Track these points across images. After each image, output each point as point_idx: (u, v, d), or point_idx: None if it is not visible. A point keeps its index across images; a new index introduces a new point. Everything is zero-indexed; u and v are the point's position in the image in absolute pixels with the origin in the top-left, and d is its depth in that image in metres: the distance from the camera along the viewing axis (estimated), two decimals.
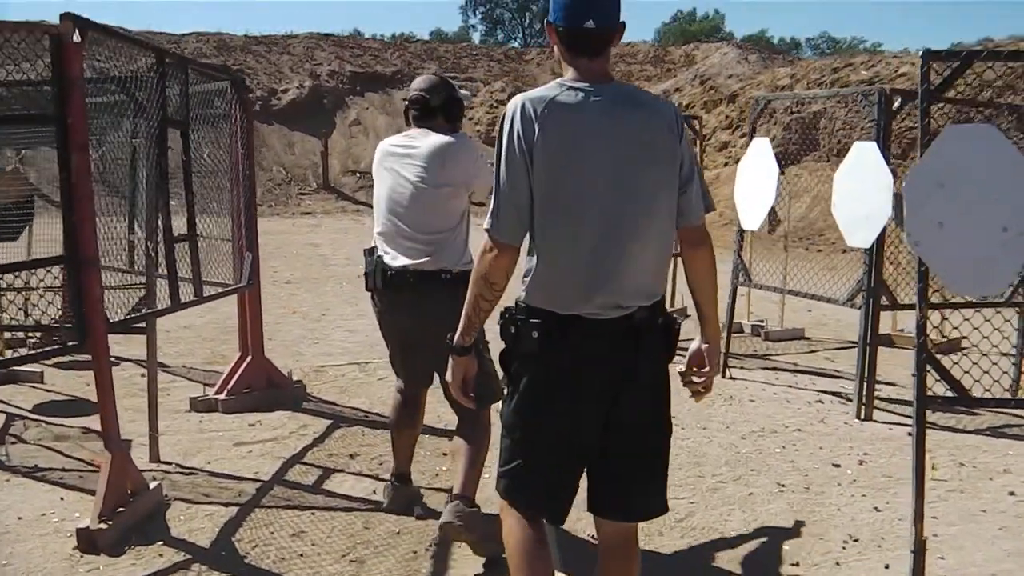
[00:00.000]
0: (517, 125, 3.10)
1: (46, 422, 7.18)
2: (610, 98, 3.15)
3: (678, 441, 6.07)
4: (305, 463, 6.33)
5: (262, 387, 7.77)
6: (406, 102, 5.28)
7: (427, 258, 4.96)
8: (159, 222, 6.13)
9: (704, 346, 3.47)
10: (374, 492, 5.74)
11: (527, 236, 3.23)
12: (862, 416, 7.45)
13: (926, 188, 4.11)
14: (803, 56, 37.44)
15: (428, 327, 4.81)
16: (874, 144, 7.15)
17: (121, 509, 5.03)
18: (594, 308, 3.16)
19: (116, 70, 5.80)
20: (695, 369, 3.49)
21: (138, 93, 5.90)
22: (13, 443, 6.73)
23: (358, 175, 28.72)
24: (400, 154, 5.10)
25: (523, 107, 3.11)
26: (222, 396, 7.61)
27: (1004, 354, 5.38)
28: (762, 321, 11.07)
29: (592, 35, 3.17)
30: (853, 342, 10.17)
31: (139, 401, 7.08)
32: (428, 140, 5.05)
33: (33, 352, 4.89)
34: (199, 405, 7.59)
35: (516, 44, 49.54)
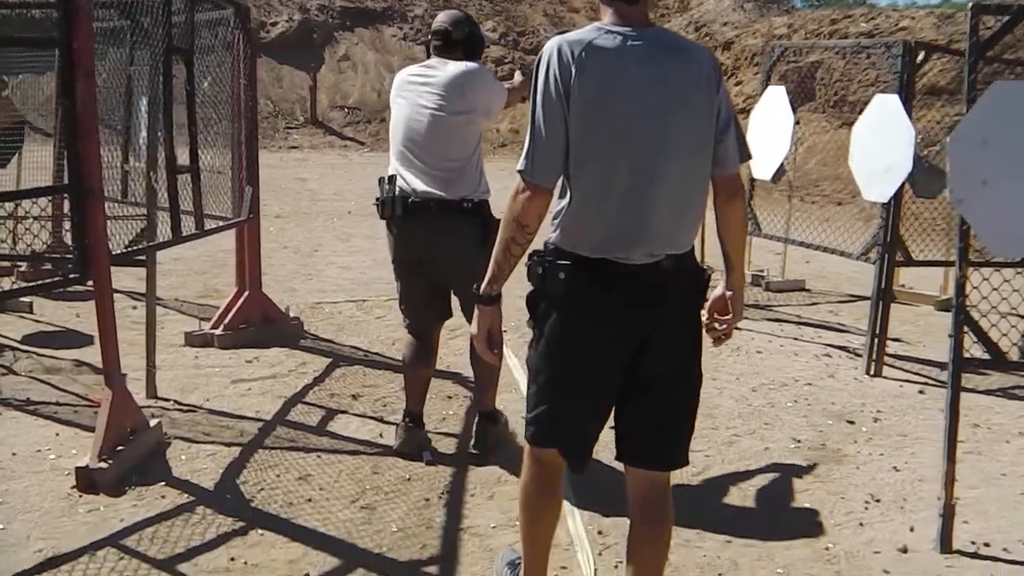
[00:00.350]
0: (554, 67, 3.04)
1: (37, 353, 7.03)
2: (649, 43, 3.08)
3: None
4: (307, 403, 6.19)
5: (259, 323, 7.62)
6: (428, 36, 5.24)
7: (446, 186, 4.95)
8: (161, 152, 5.95)
9: (728, 293, 3.47)
10: (380, 436, 5.62)
11: (560, 178, 3.18)
12: (871, 372, 7.32)
13: (971, 145, 3.98)
14: (797, 7, 37.08)
15: (448, 256, 4.99)
16: (896, 97, 6.99)
17: (121, 448, 4.90)
18: (623, 253, 3.12)
19: None
20: (716, 316, 3.51)
21: (143, 19, 5.70)
22: (3, 374, 6.57)
23: (346, 110, 28.39)
24: (418, 83, 5.07)
25: (560, 49, 3.05)
26: (218, 331, 7.46)
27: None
28: (762, 271, 10.92)
29: None
30: (855, 295, 10.19)
31: (131, 335, 6.95)
32: (447, 68, 5.03)
33: (32, 284, 4.69)
34: (194, 340, 7.44)
35: None
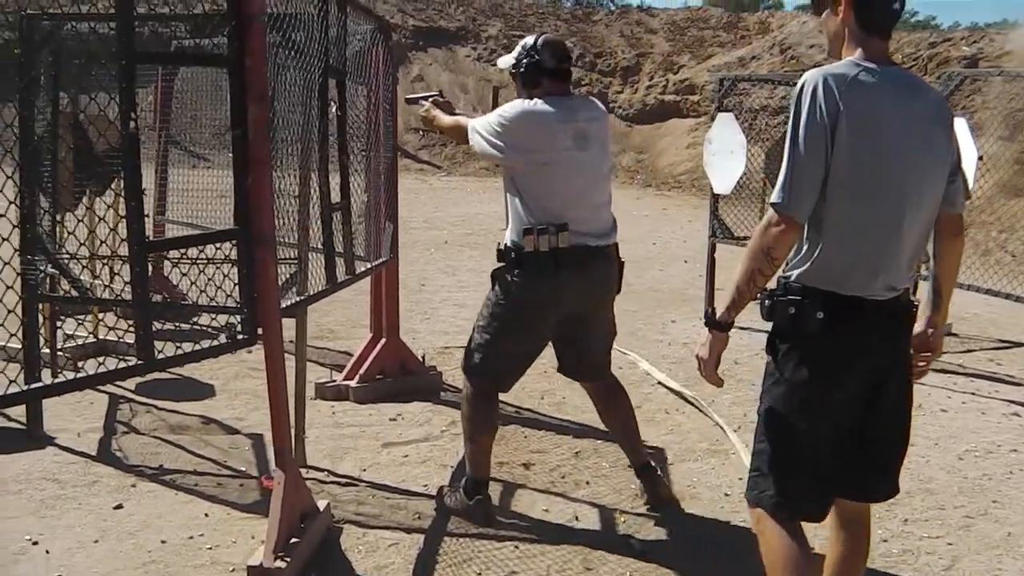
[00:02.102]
0: (820, 100, 3.01)
1: (156, 407, 6.33)
2: (900, 81, 3.13)
3: None
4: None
5: (396, 373, 6.88)
6: (556, 61, 4.82)
7: (610, 230, 4.84)
8: (314, 187, 5.24)
9: (930, 331, 3.44)
10: (575, 519, 4.87)
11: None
12: None
13: None
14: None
15: (606, 306, 4.99)
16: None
17: (295, 540, 4.13)
18: (875, 290, 3.13)
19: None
20: (918, 352, 3.45)
21: (296, 33, 4.98)
22: (126, 433, 5.88)
23: (421, 133, 27.69)
24: (571, 120, 4.68)
25: (825, 82, 3.02)
26: (353, 383, 6.73)
27: None
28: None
29: (894, 16, 3.15)
30: (1008, 341, 9.31)
31: (253, 384, 6.55)
32: (596, 108, 4.92)
33: (199, 350, 3.95)
34: (327, 392, 6.72)
35: (568, 4, 48.13)
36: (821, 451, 3.20)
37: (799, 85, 3.07)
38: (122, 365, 3.64)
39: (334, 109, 5.47)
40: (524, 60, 4.80)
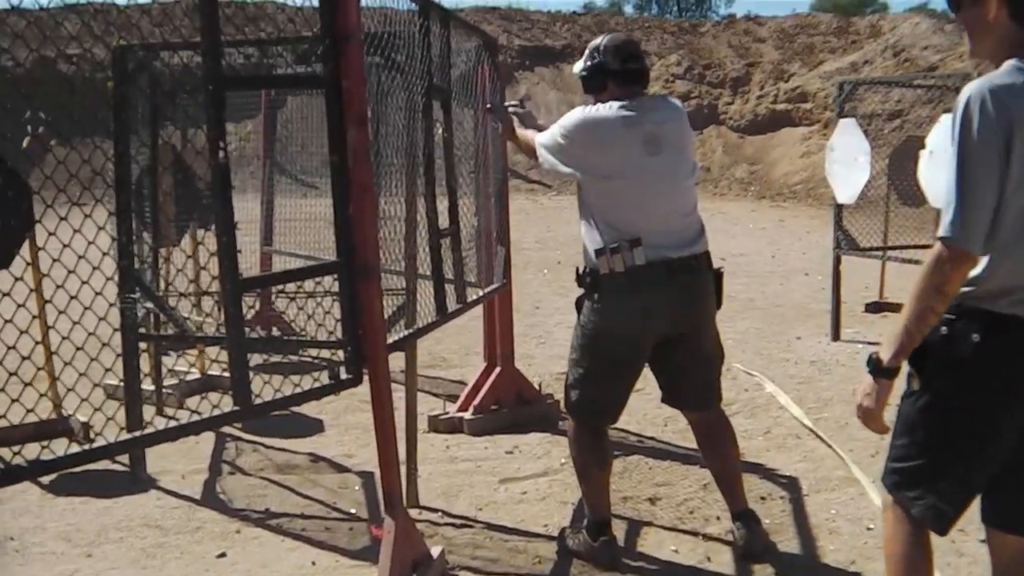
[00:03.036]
0: (990, 117, 2.73)
1: (263, 445, 6.12)
2: None
3: None
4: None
5: (512, 404, 6.59)
6: (625, 60, 4.50)
7: (697, 238, 4.39)
8: (421, 214, 4.99)
9: None
10: (708, 559, 4.50)
11: None
12: None
13: None
14: None
15: (696, 325, 4.44)
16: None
17: None
18: None
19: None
20: None
21: (397, 55, 4.73)
22: (231, 474, 5.68)
23: None
24: (643, 124, 4.31)
25: (993, 95, 2.74)
26: (467, 415, 6.46)
27: None
28: None
29: None
30: None
31: (361, 418, 6.20)
32: (669, 106, 4.57)
33: (299, 393, 3.70)
34: (440, 425, 6.46)
35: (670, 17, 47.55)
36: (968, 467, 3.05)
37: (960, 100, 2.77)
38: (217, 413, 3.39)
39: (440, 130, 5.22)
40: (588, 63, 4.51)
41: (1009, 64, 2.83)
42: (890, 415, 3.01)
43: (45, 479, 5.28)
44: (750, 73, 29.75)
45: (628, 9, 56.67)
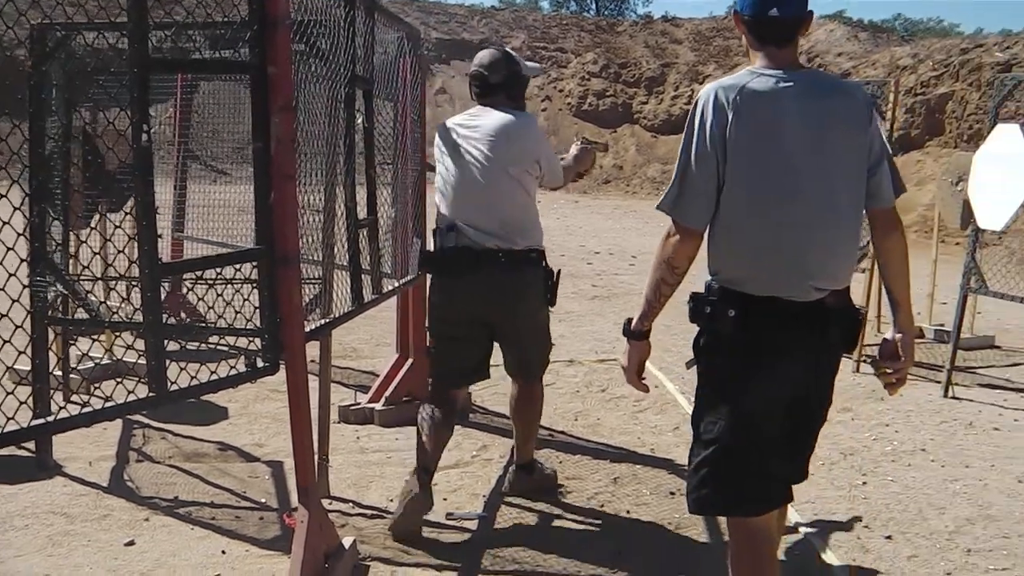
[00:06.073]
0: (709, 113, 3.14)
1: (172, 432, 6.05)
2: (801, 84, 3.17)
3: (948, 484, 5.61)
4: (511, 503, 5.17)
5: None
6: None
7: (512, 236, 4.79)
8: (339, 203, 4.96)
9: (897, 336, 3.37)
10: (619, 553, 4.55)
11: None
12: None
13: None
14: (905, 37, 35.88)
15: (517, 311, 4.88)
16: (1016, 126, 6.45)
17: None
18: (791, 291, 3.17)
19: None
20: (887, 361, 3.39)
21: (321, 42, 4.70)
22: (139, 461, 5.61)
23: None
24: (463, 134, 4.93)
25: (716, 95, 3.15)
26: (378, 406, 6.46)
27: None
28: (943, 325, 9.69)
29: (776, 23, 3.18)
30: None
31: (273, 407, 6.35)
32: (490, 118, 4.88)
33: (215, 380, 3.67)
34: (351, 415, 6.47)
35: (588, 15, 47.73)
36: (749, 447, 3.27)
37: (695, 99, 3.24)
38: (132, 399, 3.35)
39: (361, 120, 5.21)
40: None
41: (746, 69, 3.26)
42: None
43: None
44: (665, 73, 30.02)
45: (545, 5, 56.89)
